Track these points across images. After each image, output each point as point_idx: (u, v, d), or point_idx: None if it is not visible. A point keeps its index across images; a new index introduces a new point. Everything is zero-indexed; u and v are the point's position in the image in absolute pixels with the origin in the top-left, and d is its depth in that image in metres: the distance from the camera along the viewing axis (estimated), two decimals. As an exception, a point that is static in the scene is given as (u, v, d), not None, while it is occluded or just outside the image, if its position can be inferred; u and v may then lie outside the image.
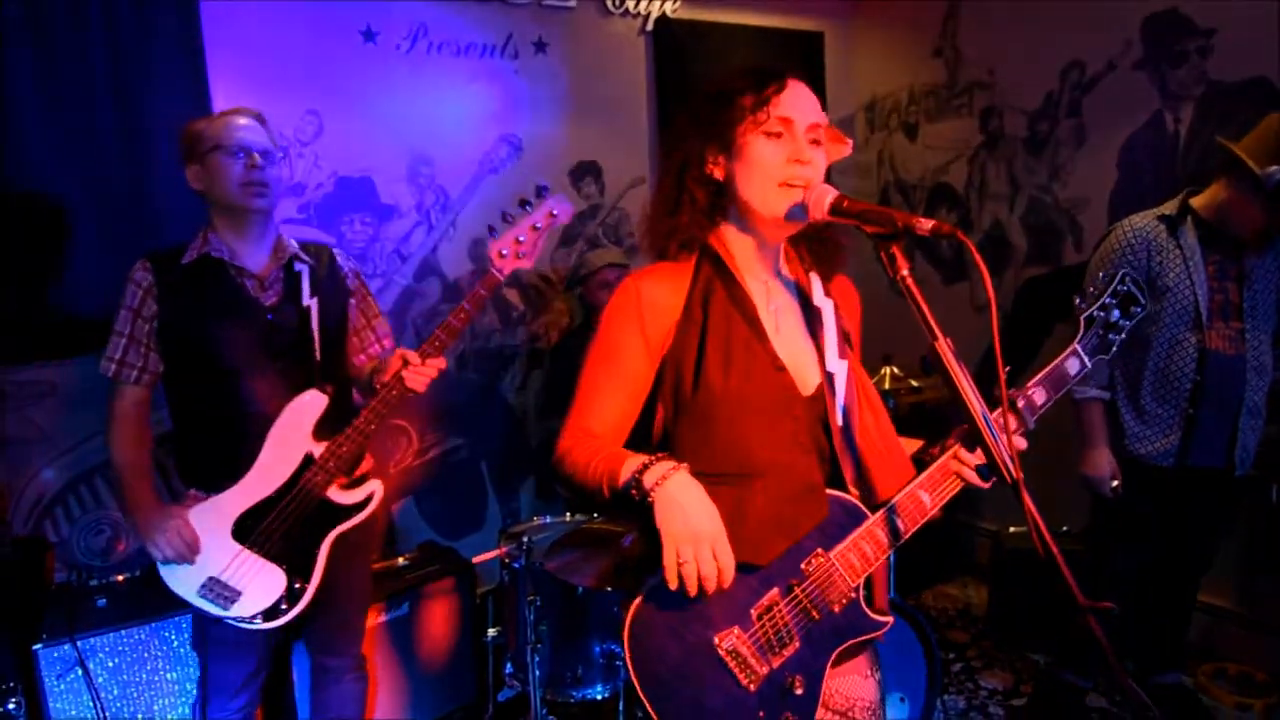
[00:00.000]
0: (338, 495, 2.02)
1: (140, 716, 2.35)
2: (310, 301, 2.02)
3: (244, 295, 1.98)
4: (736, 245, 1.40)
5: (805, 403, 1.35)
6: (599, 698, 2.57)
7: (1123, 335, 1.48)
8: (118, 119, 2.60)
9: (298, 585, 1.98)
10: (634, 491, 1.21)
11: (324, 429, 1.98)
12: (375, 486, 2.08)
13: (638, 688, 1.23)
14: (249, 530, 1.94)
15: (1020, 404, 1.40)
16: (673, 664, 1.24)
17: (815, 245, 1.45)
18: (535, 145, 3.47)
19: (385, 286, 3.22)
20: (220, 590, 1.93)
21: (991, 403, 1.16)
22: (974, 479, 1.36)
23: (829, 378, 1.35)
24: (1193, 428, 2.39)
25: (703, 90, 1.39)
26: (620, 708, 2.58)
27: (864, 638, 1.34)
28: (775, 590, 1.28)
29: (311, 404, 1.98)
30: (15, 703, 2.10)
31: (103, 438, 2.04)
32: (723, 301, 1.36)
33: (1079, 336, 1.46)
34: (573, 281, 3.45)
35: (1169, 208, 2.41)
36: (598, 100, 3.61)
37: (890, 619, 1.35)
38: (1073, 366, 1.46)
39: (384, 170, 3.16)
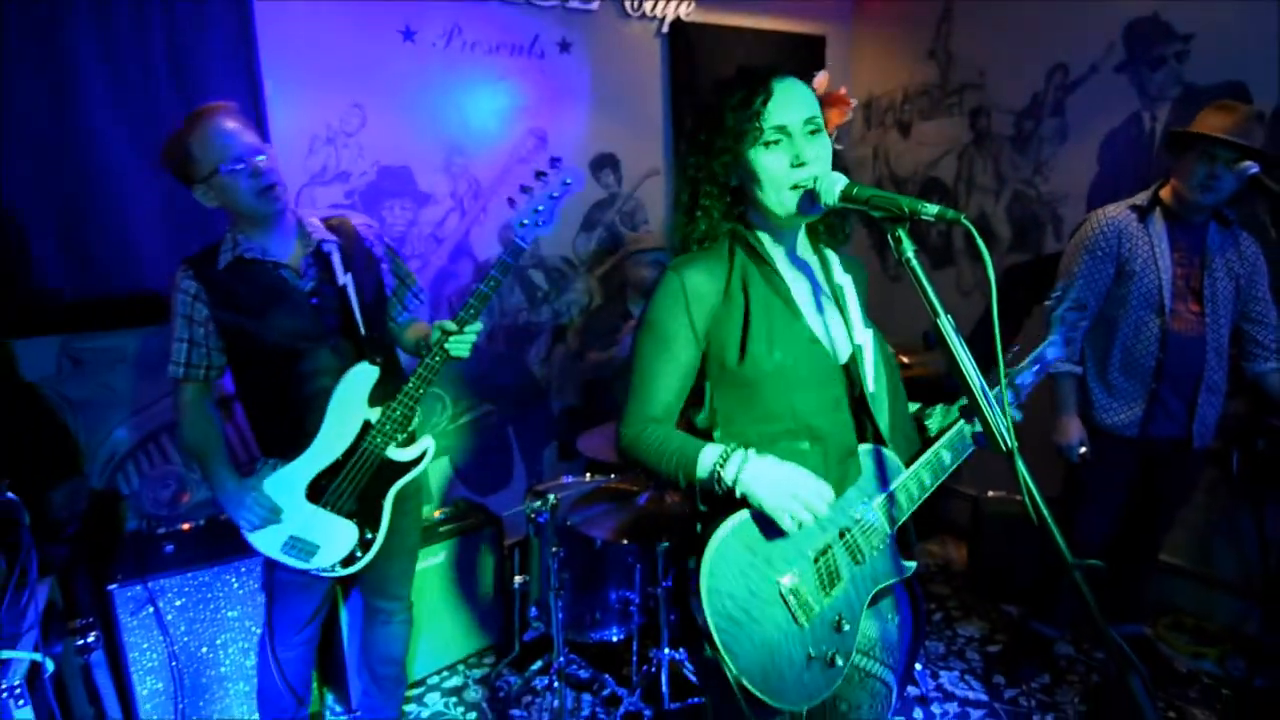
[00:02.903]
0: (395, 453, 2.02)
1: (204, 649, 2.38)
2: (345, 279, 1.97)
3: (285, 286, 1.92)
4: (761, 233, 1.38)
5: (841, 372, 1.36)
6: (614, 639, 2.59)
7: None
8: (179, 112, 2.57)
9: (369, 535, 2.01)
10: (717, 486, 1.23)
11: (378, 394, 1.97)
12: (428, 443, 2.08)
13: (709, 625, 1.21)
14: (322, 491, 1.95)
15: (1019, 382, 1.50)
16: (740, 603, 1.23)
17: (829, 221, 1.42)
18: (559, 138, 3.43)
19: (422, 267, 3.20)
20: (301, 546, 1.96)
21: (990, 380, 1.14)
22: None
23: (858, 349, 1.35)
24: (1154, 402, 2.38)
25: (698, 111, 1.36)
26: (634, 648, 2.60)
27: (895, 580, 1.38)
28: (829, 535, 1.30)
29: (363, 376, 1.96)
30: (95, 636, 2.13)
31: (169, 400, 2.04)
32: (760, 283, 1.34)
33: (1051, 333, 1.59)
34: (604, 260, 3.47)
35: (1140, 198, 2.38)
36: (616, 96, 3.56)
37: (915, 563, 1.40)
38: (1052, 352, 1.59)
39: (422, 160, 3.13)
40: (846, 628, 1.30)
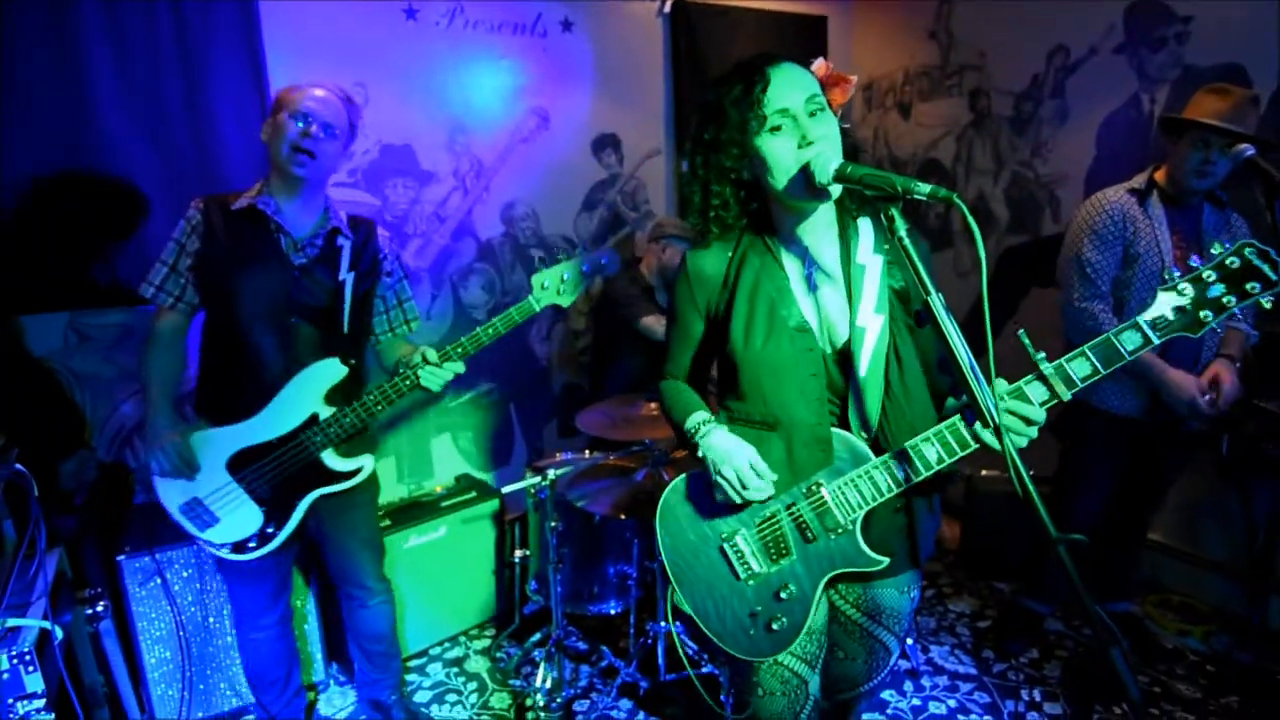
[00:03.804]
0: (331, 459, 1.96)
1: (211, 619, 2.40)
2: (347, 276, 1.95)
3: (276, 250, 1.90)
4: (775, 217, 1.38)
5: (828, 359, 1.35)
6: (612, 612, 2.62)
7: (1231, 313, 1.16)
8: (185, 99, 2.54)
9: (270, 529, 1.94)
10: (691, 441, 1.42)
11: (336, 396, 1.94)
12: (367, 461, 2.03)
13: (661, 554, 1.43)
14: (243, 465, 1.91)
15: (1051, 374, 1.20)
16: (688, 547, 1.41)
17: (855, 194, 1.32)
18: (561, 117, 3.40)
19: (425, 245, 3.19)
20: (200, 512, 1.92)
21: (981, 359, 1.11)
22: (989, 440, 1.19)
23: (859, 332, 1.31)
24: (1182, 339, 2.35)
25: (700, 107, 1.34)
26: (631, 621, 2.62)
27: (856, 570, 1.35)
28: (776, 506, 1.36)
29: (330, 371, 1.94)
30: (103, 606, 2.15)
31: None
32: (753, 270, 1.36)
33: (1148, 309, 1.19)
34: (606, 239, 3.47)
35: (1137, 181, 2.36)
36: (618, 77, 3.53)
37: (883, 560, 1.33)
38: (1130, 341, 1.19)
39: (424, 138, 3.11)
40: (784, 596, 1.36)
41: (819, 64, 1.31)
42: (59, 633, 1.70)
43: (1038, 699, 2.54)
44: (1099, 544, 2.72)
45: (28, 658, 1.59)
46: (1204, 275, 1.16)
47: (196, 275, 1.90)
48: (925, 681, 2.65)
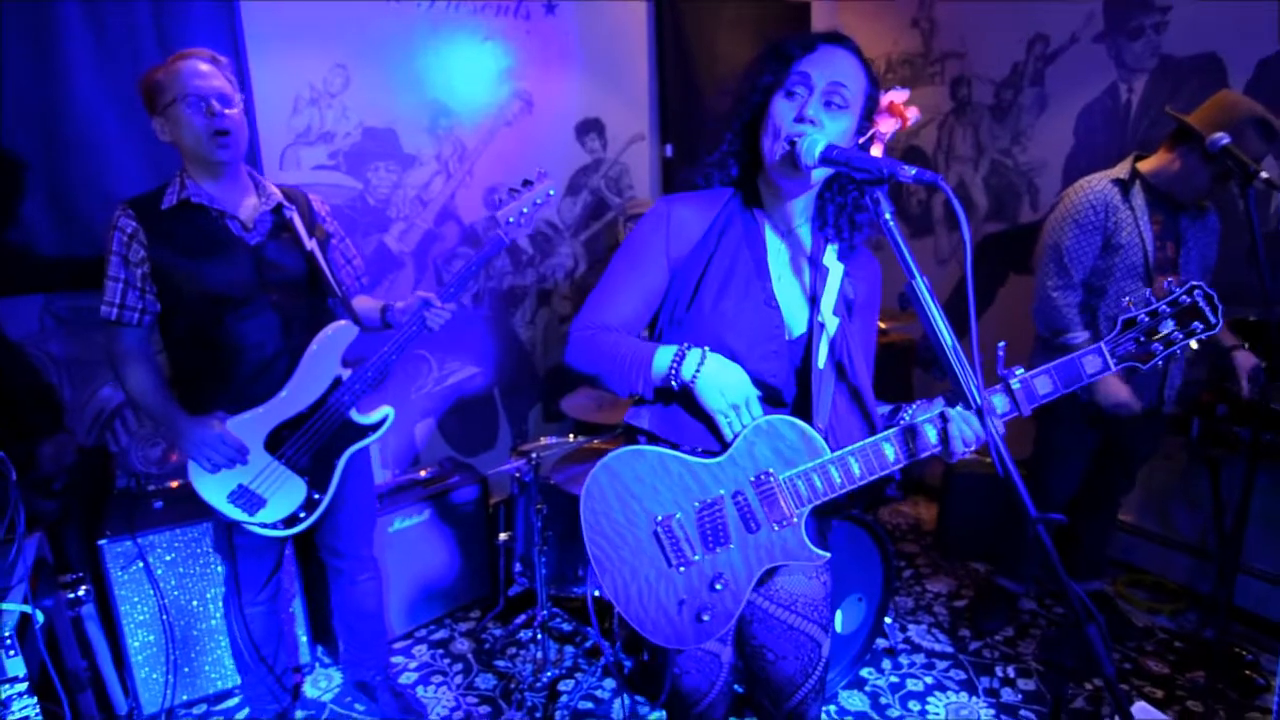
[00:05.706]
0: (357, 416, 2.03)
1: (194, 603, 2.38)
2: (311, 245, 1.96)
3: (229, 235, 1.87)
4: (764, 191, 1.36)
5: (786, 344, 1.33)
6: (597, 594, 2.62)
7: (1173, 350, 1.23)
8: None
9: (316, 496, 2.00)
10: (673, 382, 1.25)
11: (346, 355, 1.99)
12: (388, 410, 2.09)
13: (585, 536, 1.28)
14: (280, 443, 1.94)
15: (1017, 389, 1.25)
16: (616, 526, 1.28)
17: (851, 216, 1.36)
18: (545, 101, 3.37)
19: (408, 230, 3.15)
20: (248, 498, 1.93)
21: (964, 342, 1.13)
22: (950, 448, 1.23)
23: (817, 328, 1.31)
24: (1134, 370, 2.39)
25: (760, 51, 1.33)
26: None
27: (795, 563, 1.30)
28: (722, 491, 1.27)
29: (344, 333, 1.99)
30: (85, 590, 2.12)
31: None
32: (737, 235, 1.33)
33: (1110, 335, 1.27)
34: (589, 224, 3.43)
35: (1120, 171, 2.36)
36: (603, 60, 3.49)
37: (825, 554, 1.30)
38: (1092, 365, 1.26)
39: (407, 121, 3.06)
40: (719, 588, 1.27)
41: (897, 93, 1.30)
42: (40, 616, 1.68)
43: (1012, 675, 2.59)
44: (1072, 524, 2.76)
45: (8, 641, 1.57)
46: (1160, 309, 1.24)
47: (155, 284, 1.84)
48: (903, 659, 2.69)
